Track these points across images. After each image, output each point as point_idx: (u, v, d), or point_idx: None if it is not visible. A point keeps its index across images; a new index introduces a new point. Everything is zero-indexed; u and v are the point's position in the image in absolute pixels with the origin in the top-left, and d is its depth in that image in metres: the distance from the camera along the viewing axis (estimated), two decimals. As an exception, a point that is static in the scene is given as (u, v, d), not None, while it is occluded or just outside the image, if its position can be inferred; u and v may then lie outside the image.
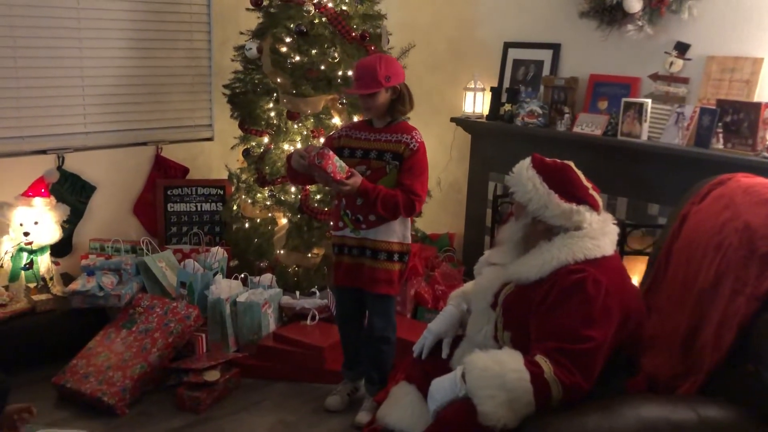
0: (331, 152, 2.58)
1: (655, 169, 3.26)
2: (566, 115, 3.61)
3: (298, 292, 3.54)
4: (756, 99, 3.01)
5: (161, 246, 3.92)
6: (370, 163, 2.76)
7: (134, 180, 4.05)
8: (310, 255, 3.61)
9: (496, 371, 1.87)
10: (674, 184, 3.11)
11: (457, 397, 1.95)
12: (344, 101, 3.53)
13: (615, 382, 2.04)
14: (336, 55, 3.54)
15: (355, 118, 3.56)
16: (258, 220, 3.79)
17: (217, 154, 4.29)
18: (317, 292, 3.52)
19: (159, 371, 3.05)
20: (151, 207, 4.05)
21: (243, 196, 3.79)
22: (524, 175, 2.08)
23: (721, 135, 3.04)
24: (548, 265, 2.00)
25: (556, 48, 3.77)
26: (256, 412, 2.97)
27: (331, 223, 3.13)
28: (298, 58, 3.54)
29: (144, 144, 4.05)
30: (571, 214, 2.06)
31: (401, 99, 2.75)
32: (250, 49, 3.57)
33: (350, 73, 3.42)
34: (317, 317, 3.40)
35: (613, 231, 2.14)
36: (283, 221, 3.69)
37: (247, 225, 3.82)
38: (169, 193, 4.06)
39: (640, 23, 3.29)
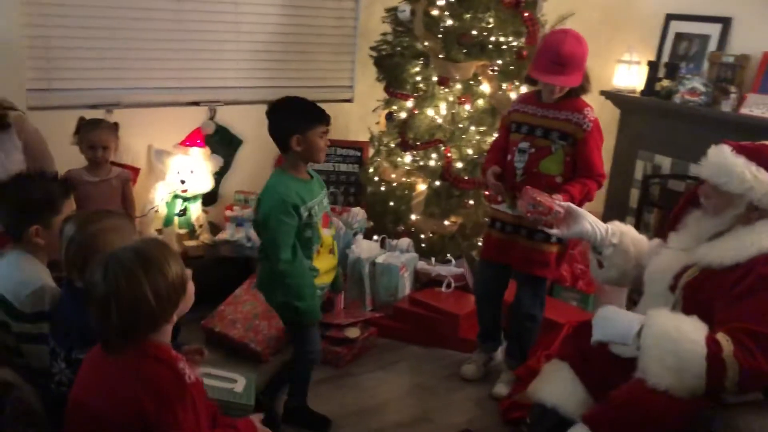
0: (528, 193, 2.33)
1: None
2: (732, 95, 3.38)
3: (433, 259, 3.54)
4: None
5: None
6: (534, 141, 2.67)
7: (277, 137, 4.14)
8: (447, 222, 3.59)
9: (673, 337, 1.83)
10: None
11: (625, 344, 1.94)
12: (495, 69, 3.45)
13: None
14: (490, 20, 3.45)
15: (504, 86, 3.49)
16: (394, 184, 3.80)
17: (355, 115, 4.31)
18: (453, 260, 3.51)
19: (302, 323, 3.14)
20: (291, 164, 4.13)
21: (382, 160, 3.81)
22: (734, 163, 1.92)
23: None
24: (747, 251, 1.88)
25: (725, 22, 3.52)
26: (393, 372, 3.01)
27: (486, 194, 3.06)
28: (450, 22, 3.48)
29: (289, 101, 4.12)
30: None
31: (586, 78, 2.62)
32: (404, 11, 3.54)
33: (515, 45, 3.35)
34: (453, 285, 3.39)
35: None
36: (421, 187, 3.68)
37: (383, 188, 3.84)
38: (308, 151, 4.12)
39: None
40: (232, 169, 3.96)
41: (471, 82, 3.52)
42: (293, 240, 2.28)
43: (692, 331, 1.83)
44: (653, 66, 3.75)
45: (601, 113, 4.07)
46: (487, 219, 2.88)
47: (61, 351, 1.81)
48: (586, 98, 2.61)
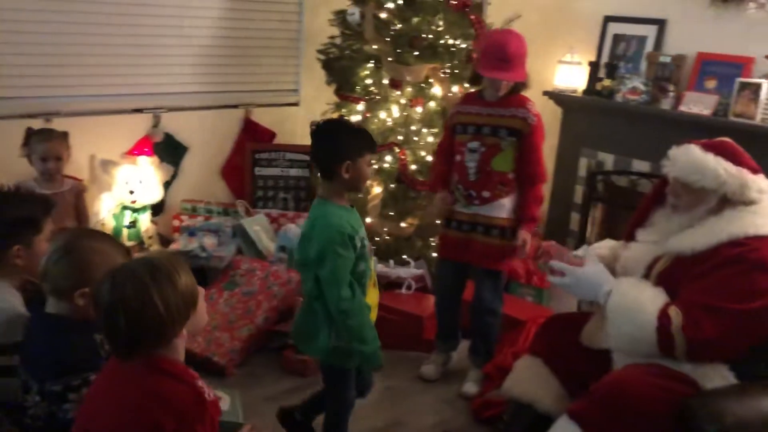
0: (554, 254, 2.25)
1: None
2: (671, 94, 3.53)
3: (391, 261, 3.54)
4: None
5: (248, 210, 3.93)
6: (483, 140, 2.73)
7: (223, 143, 4.05)
8: (403, 224, 3.60)
9: (631, 308, 1.98)
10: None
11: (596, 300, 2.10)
12: (447, 71, 3.49)
13: (759, 365, 2.01)
14: (440, 23, 3.49)
15: (455, 89, 3.53)
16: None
17: (302, 119, 4.27)
18: (411, 261, 3.52)
19: (264, 334, 3.08)
20: (239, 170, 4.05)
21: (335, 163, 3.78)
22: (706, 160, 2.00)
23: None
24: (717, 237, 1.97)
25: (661, 23, 3.68)
26: (361, 378, 2.99)
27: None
28: (400, 25, 3.50)
29: (234, 107, 4.04)
30: (758, 184, 2.02)
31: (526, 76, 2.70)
32: (353, 14, 3.53)
33: (463, 46, 3.41)
34: (413, 286, 3.40)
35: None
36: (377, 190, 3.68)
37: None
38: (257, 156, 4.06)
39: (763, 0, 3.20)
40: (177, 178, 3.84)
41: (422, 85, 3.54)
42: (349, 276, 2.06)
43: (649, 303, 1.96)
44: (594, 66, 3.88)
45: (544, 113, 4.12)
46: (441, 219, 2.91)
47: (33, 383, 1.70)
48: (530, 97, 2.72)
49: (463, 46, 3.51)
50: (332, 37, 3.76)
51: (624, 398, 1.88)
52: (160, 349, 1.47)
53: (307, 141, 4.04)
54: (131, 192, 3.32)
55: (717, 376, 1.93)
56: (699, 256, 2.00)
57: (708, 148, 2.04)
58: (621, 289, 2.04)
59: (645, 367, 1.93)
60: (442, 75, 3.51)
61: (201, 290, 1.52)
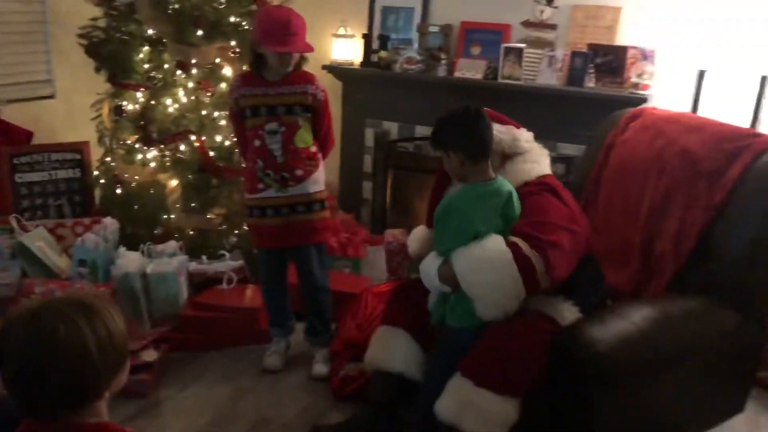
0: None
1: (536, 108, 3.61)
2: (443, 61, 3.81)
3: (204, 257, 3.34)
4: (617, 43, 3.50)
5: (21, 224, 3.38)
6: (280, 119, 2.69)
7: (-31, 149, 3.41)
8: (210, 216, 3.41)
9: (480, 257, 2.02)
10: (554, 121, 3.51)
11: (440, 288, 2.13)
12: (236, 51, 3.33)
13: (590, 297, 2.33)
14: (222, 0, 3.30)
15: (245, 68, 3.39)
16: (133, 184, 3.45)
17: (61, 114, 3.77)
18: (227, 254, 3.36)
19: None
20: (-4, 180, 3.46)
21: (118, 160, 3.42)
22: None
23: (593, 75, 3.48)
24: (514, 182, 2.19)
25: (425, -5, 3.93)
26: (206, 384, 2.80)
27: (246, 186, 2.94)
28: (178, 5, 3.24)
29: (-22, 105, 3.42)
30: (524, 136, 2.29)
31: None
32: (122, -8, 3.18)
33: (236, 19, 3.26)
34: (234, 279, 3.25)
35: (545, 152, 2.36)
36: (173, 183, 3.41)
37: (119, 191, 3.46)
38: (15, 161, 3.49)
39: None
40: None
41: (211, 66, 3.34)
42: None
43: (494, 243, 2.05)
44: (367, 39, 4.01)
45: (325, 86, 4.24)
46: (253, 210, 2.76)
47: None
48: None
49: (248, 26, 3.37)
50: (94, 19, 3.35)
51: (506, 347, 2.04)
52: (84, 411, 1.24)
53: (71, 138, 3.64)
54: None
55: (568, 312, 2.19)
56: None
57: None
58: (462, 252, 2.07)
59: (516, 317, 2.11)
60: (232, 55, 3.35)
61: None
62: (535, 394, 2.04)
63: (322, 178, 2.80)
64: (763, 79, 3.10)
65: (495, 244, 2.05)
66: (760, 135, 2.46)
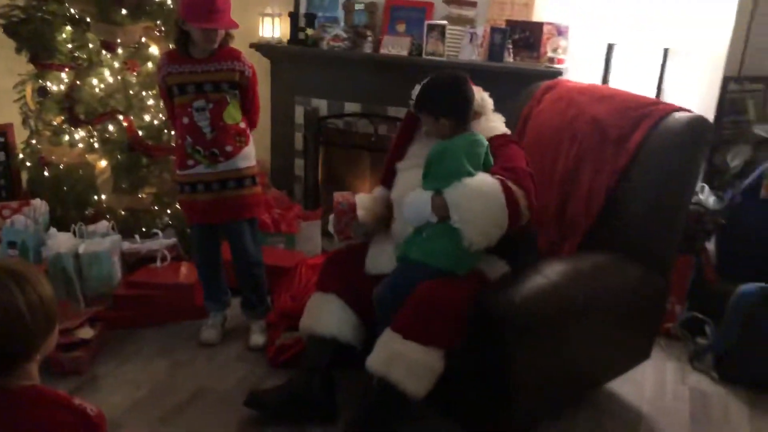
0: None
1: (459, 82, 3.77)
2: (369, 39, 3.90)
3: (137, 236, 3.36)
4: (534, 20, 3.66)
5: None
6: (208, 96, 2.73)
7: None
8: (141, 196, 3.42)
9: (473, 186, 2.19)
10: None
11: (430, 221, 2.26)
12: (162, 30, 3.34)
13: (530, 256, 2.48)
14: (145, -22, 3.30)
15: (171, 47, 3.39)
16: (61, 166, 3.43)
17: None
18: (159, 233, 3.38)
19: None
20: None
21: (45, 141, 3.38)
22: None
23: (511, 50, 3.64)
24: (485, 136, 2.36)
25: (347, -27, 3.99)
26: (143, 360, 2.85)
27: (176, 162, 2.96)
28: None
29: None
30: (484, 96, 2.48)
31: None
32: (41, -29, 3.13)
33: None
34: (168, 257, 3.29)
35: (499, 114, 2.56)
36: (102, 163, 3.40)
37: (46, 173, 3.44)
38: (-66, 147, 3.41)
39: (437, -48, 3.68)
40: None
41: (137, 46, 3.34)
42: None
43: (485, 177, 2.22)
44: (294, 17, 4.05)
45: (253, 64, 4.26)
46: (183, 186, 2.80)
47: None
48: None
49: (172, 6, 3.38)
50: (12, -2, 3.29)
51: (433, 301, 2.16)
52: (17, 373, 1.29)
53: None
54: None
55: (498, 266, 2.35)
56: None
57: None
58: (454, 186, 2.20)
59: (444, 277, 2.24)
60: (158, 34, 3.35)
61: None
62: (461, 345, 2.18)
63: (252, 154, 2.86)
64: (666, 51, 3.33)
65: (486, 177, 2.23)
66: (661, 103, 2.67)
